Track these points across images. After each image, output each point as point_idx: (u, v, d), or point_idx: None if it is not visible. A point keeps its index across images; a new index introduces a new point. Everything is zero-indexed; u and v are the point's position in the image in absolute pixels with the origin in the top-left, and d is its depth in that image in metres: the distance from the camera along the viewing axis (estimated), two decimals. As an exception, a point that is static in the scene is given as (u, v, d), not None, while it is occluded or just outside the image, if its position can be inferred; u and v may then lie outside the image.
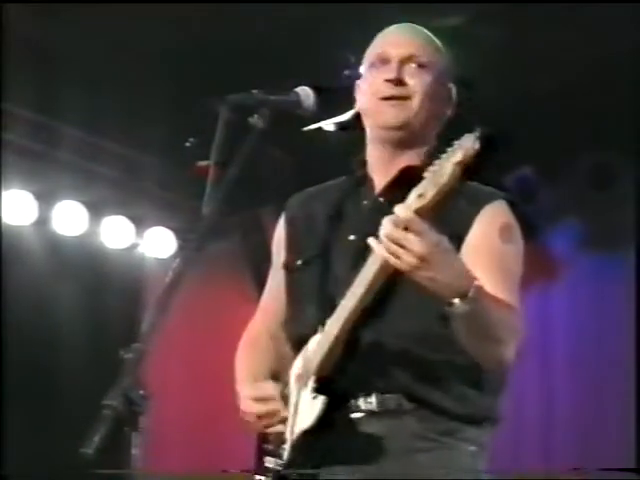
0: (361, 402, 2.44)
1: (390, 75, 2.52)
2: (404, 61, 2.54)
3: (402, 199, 2.29)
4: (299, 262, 2.63)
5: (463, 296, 2.20)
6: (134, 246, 6.79)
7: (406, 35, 2.61)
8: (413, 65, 2.54)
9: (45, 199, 6.19)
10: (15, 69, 5.15)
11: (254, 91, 2.32)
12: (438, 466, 2.42)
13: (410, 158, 2.54)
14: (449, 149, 2.17)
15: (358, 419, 2.45)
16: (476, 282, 2.21)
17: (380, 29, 2.65)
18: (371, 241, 2.21)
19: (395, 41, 2.59)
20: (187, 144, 2.40)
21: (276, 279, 2.72)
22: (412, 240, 2.14)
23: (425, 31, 2.64)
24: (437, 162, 2.17)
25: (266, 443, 2.53)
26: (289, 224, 2.71)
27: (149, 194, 6.63)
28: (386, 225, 2.17)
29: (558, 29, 4.87)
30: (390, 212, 2.20)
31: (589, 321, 6.25)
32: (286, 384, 2.53)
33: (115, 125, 5.91)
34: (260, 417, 2.49)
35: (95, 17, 4.89)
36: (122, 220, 6.60)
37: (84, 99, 5.58)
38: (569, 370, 6.30)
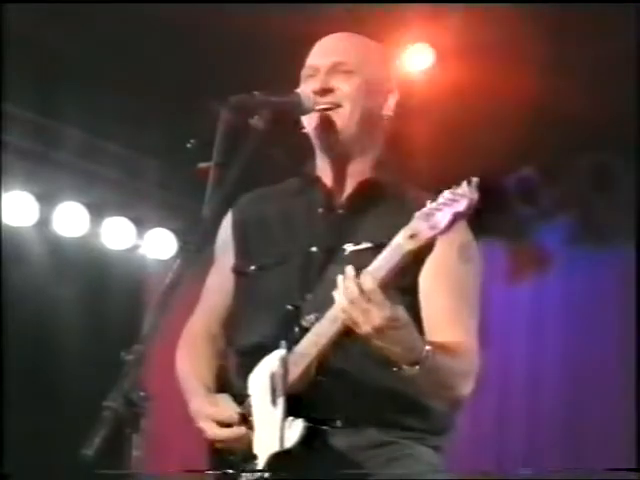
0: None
1: (316, 86, 2.51)
2: (331, 69, 2.53)
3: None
4: (252, 267, 2.62)
5: (412, 364, 2.26)
6: (135, 247, 6.78)
7: (333, 43, 2.61)
8: (340, 72, 2.53)
9: (46, 200, 6.19)
10: (15, 69, 5.14)
11: (255, 92, 2.33)
12: (402, 460, 2.45)
13: (358, 166, 2.55)
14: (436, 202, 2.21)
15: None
16: (427, 349, 2.27)
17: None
18: (336, 298, 2.24)
19: (321, 51, 2.60)
20: (188, 145, 2.40)
21: (219, 278, 2.72)
22: (373, 312, 2.21)
23: (357, 38, 2.64)
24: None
25: (228, 454, 2.52)
26: (238, 225, 2.70)
27: (150, 195, 6.63)
28: (353, 290, 2.21)
29: (558, 29, 4.87)
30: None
31: (588, 324, 6.24)
32: (241, 397, 2.50)
33: (116, 126, 5.90)
34: (223, 440, 2.49)
35: (95, 17, 4.89)
36: (123, 221, 6.59)
37: (85, 100, 5.57)
38: (568, 368, 6.29)
